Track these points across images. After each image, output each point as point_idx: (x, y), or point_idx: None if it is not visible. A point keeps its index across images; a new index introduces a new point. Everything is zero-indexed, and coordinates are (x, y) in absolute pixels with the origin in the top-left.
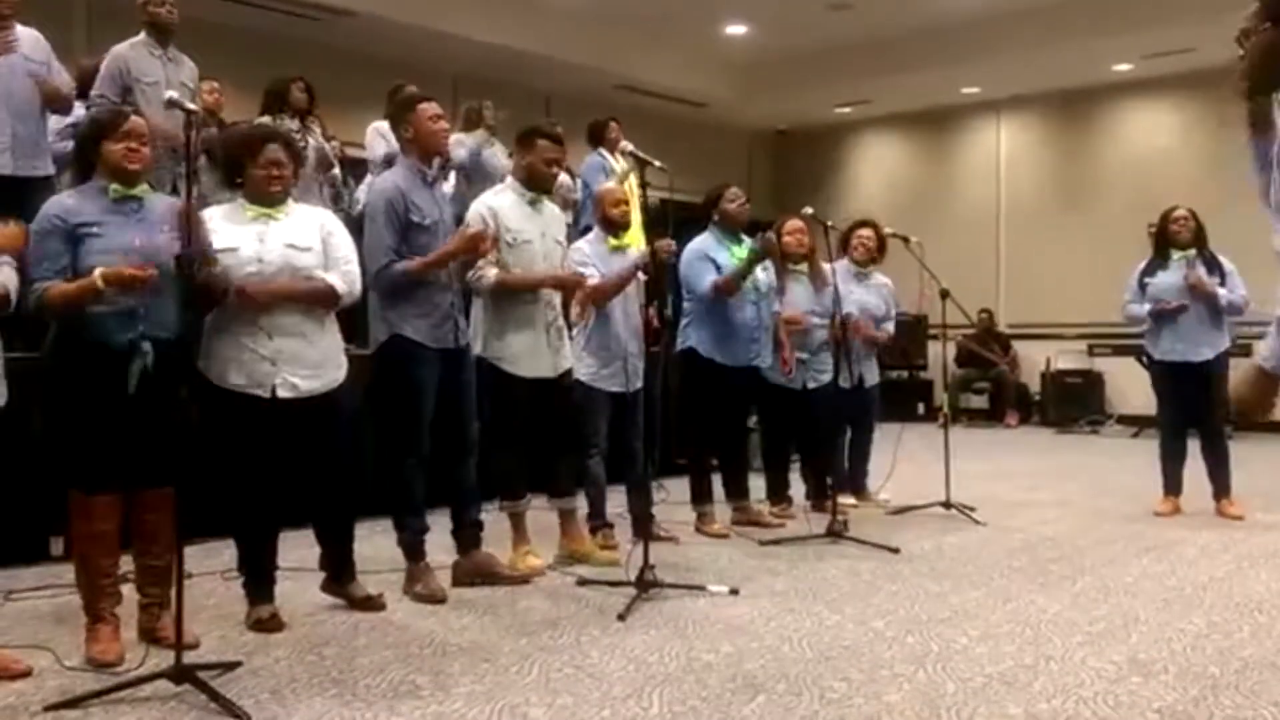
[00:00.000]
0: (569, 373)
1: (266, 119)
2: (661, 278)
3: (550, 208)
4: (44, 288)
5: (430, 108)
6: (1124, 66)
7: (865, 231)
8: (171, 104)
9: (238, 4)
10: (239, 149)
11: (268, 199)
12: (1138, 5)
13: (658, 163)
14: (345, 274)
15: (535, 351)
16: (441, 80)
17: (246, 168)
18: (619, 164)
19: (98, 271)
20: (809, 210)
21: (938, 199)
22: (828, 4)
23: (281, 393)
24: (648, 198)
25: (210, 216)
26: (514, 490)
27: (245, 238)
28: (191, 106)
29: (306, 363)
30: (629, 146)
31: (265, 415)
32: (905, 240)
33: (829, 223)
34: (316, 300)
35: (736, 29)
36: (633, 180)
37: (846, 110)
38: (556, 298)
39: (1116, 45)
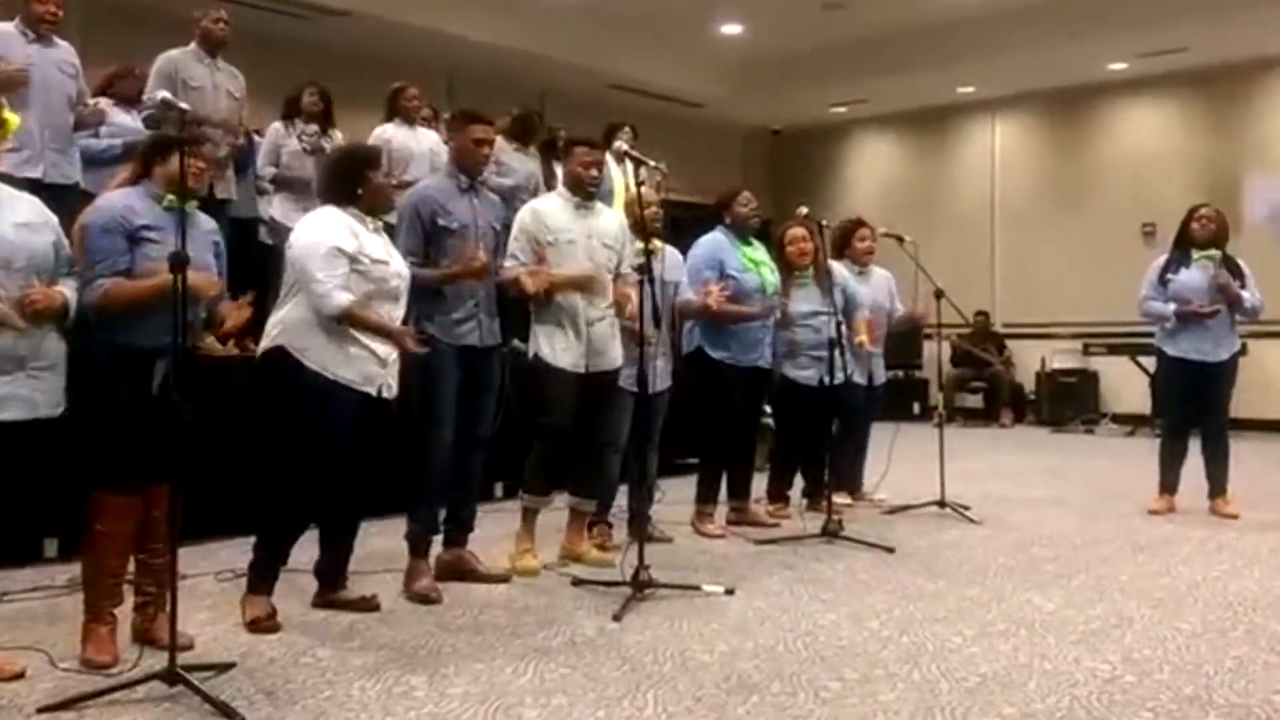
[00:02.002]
0: (610, 375)
1: (280, 125)
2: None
3: (604, 213)
4: (105, 285)
5: (481, 131)
6: (1118, 66)
7: (865, 230)
8: (167, 105)
9: (231, 3)
10: (360, 160)
11: (381, 209)
12: (1132, 5)
13: (652, 162)
14: None
15: (571, 345)
16: (436, 79)
17: (370, 177)
18: (615, 168)
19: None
20: (804, 210)
21: (933, 198)
22: (822, 3)
23: (384, 393)
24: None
25: (347, 221)
26: (539, 485)
27: (385, 251)
28: (184, 106)
29: (397, 366)
30: (623, 146)
31: (364, 411)
32: (900, 240)
33: (824, 221)
34: None
35: (731, 29)
36: (629, 180)
37: (842, 110)
38: (602, 296)
39: (1111, 45)
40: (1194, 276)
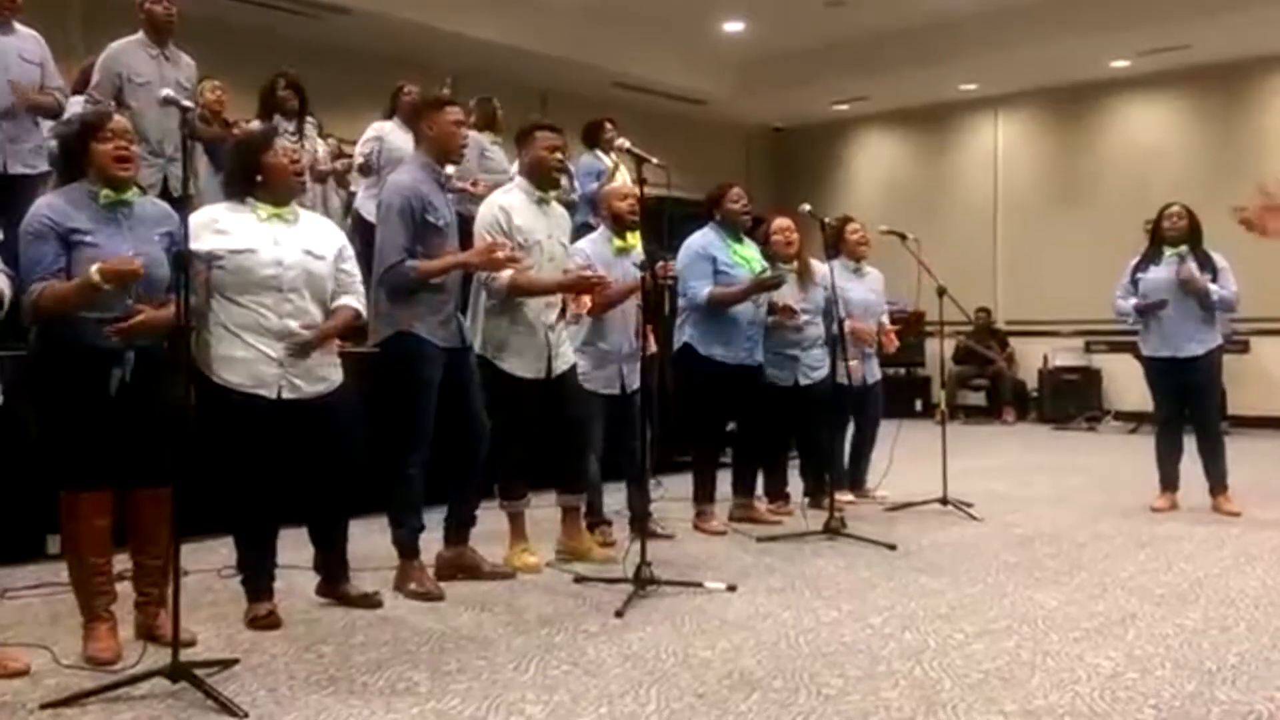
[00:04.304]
0: (569, 373)
1: (258, 123)
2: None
3: (557, 209)
4: (39, 290)
5: (456, 113)
6: (1120, 63)
7: (854, 225)
8: (167, 102)
9: (232, 0)
10: (253, 146)
11: (287, 191)
12: (1134, 2)
13: (655, 160)
14: (360, 296)
15: (532, 352)
16: (438, 77)
17: (263, 162)
18: (610, 163)
19: (94, 269)
20: (806, 207)
21: (935, 196)
22: (825, 1)
23: (286, 394)
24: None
25: (216, 217)
26: (514, 489)
27: (261, 239)
28: (187, 104)
29: (310, 365)
30: (626, 144)
31: (268, 415)
32: (902, 237)
33: (826, 219)
34: (349, 330)
35: (734, 26)
36: (626, 177)
37: (844, 107)
38: (557, 299)
39: (1113, 42)
40: (1162, 273)
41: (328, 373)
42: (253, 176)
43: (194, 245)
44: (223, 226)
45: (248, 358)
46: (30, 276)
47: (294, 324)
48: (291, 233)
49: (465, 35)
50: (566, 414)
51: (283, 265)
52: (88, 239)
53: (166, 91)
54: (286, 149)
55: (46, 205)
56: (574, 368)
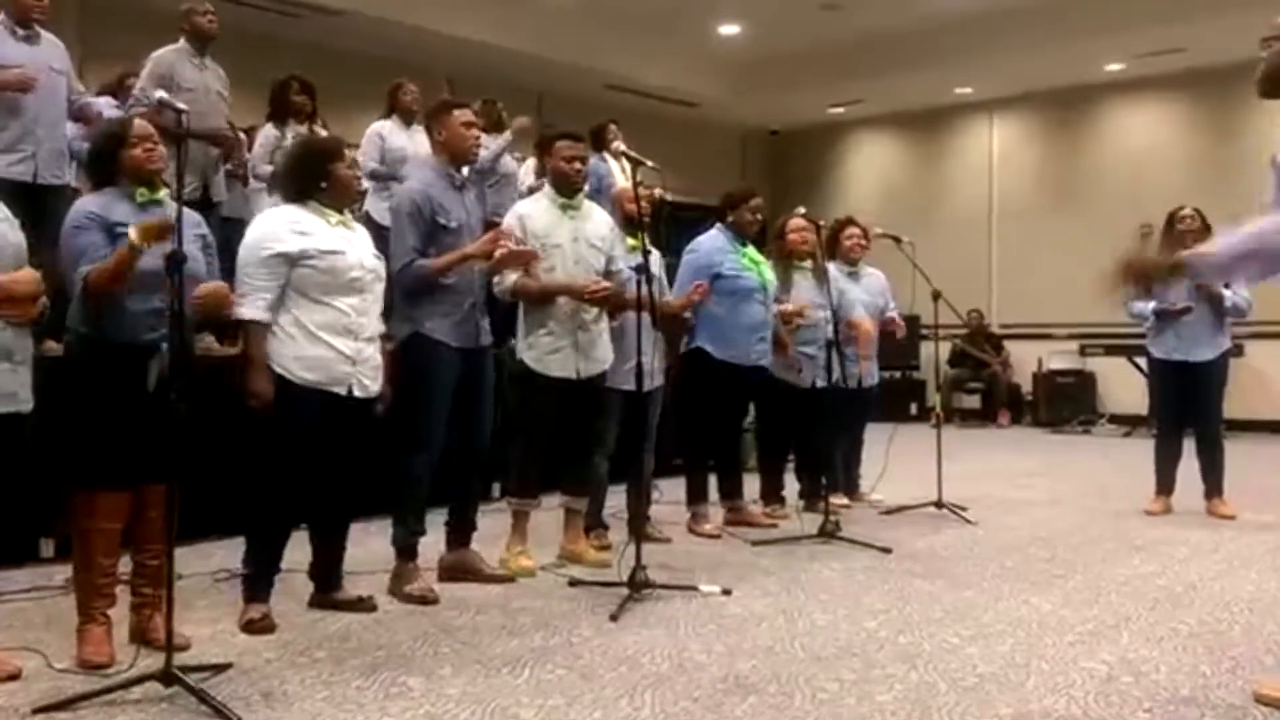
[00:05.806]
0: (598, 379)
1: (271, 127)
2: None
3: (590, 211)
4: (85, 271)
5: (465, 115)
6: (1115, 66)
7: (853, 229)
8: (162, 104)
9: (226, 2)
10: (323, 152)
11: (347, 201)
12: (1129, 5)
13: (650, 162)
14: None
15: (562, 352)
16: (433, 79)
17: (333, 170)
18: (616, 167)
19: (132, 231)
20: (801, 210)
21: (930, 199)
22: (820, 4)
23: (356, 392)
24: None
25: (296, 218)
26: (528, 489)
27: (341, 243)
28: (182, 106)
29: (372, 364)
30: (621, 146)
31: (336, 412)
32: (897, 240)
33: (821, 221)
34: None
35: (729, 29)
36: (626, 179)
37: (839, 110)
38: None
39: (1108, 45)
40: None
41: (380, 374)
42: (318, 182)
43: (280, 247)
44: (303, 228)
45: (326, 356)
46: (78, 267)
47: (365, 321)
48: (356, 238)
49: (459, 37)
50: (590, 419)
51: (364, 268)
52: (130, 231)
53: (160, 94)
54: (354, 160)
55: (88, 203)
56: (604, 374)
